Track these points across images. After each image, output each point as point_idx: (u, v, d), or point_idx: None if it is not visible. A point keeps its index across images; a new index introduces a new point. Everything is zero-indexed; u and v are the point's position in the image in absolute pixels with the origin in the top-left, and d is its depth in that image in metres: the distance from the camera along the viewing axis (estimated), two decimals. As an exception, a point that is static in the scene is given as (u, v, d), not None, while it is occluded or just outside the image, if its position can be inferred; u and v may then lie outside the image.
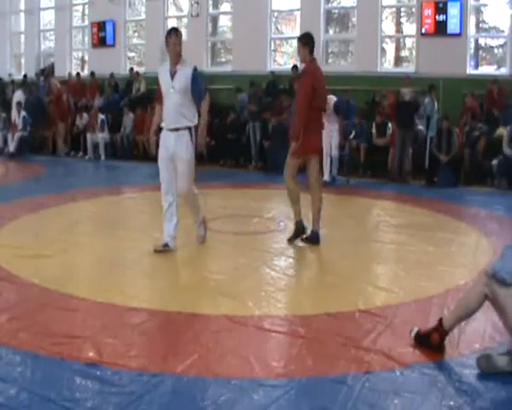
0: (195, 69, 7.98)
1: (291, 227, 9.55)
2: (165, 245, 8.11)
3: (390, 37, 19.50)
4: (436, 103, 16.26)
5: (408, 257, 8.10)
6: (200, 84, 8.03)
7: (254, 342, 5.30)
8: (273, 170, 15.99)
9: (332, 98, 13.92)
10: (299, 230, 8.75)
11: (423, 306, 6.10)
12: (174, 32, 8.01)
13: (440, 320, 5.09)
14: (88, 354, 4.90)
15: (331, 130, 14.22)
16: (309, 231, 8.70)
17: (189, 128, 7.98)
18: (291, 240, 8.72)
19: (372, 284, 7.03)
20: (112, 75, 21.89)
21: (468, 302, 5.00)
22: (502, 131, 14.71)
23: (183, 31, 22.30)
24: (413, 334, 5.19)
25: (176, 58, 7.89)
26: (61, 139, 20.19)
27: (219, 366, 4.76)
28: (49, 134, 20.79)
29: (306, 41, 9.00)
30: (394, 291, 6.70)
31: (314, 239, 8.65)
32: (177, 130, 7.94)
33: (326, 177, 14.15)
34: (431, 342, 5.04)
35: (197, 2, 21.19)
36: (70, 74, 23.60)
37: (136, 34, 24.39)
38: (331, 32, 20.32)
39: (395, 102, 16.02)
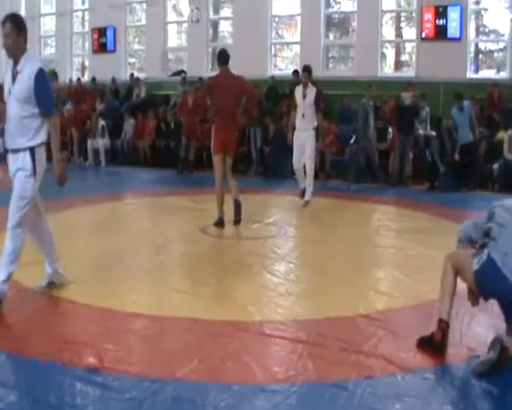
0: (41, 70, 6.08)
1: (292, 232, 9.62)
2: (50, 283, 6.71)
3: (390, 41, 19.51)
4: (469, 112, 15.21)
5: (409, 262, 8.10)
6: (45, 90, 6.18)
7: (255, 348, 5.29)
8: (274, 175, 16.03)
9: (312, 90, 12.22)
10: (220, 223, 9.96)
11: (424, 310, 6.09)
12: (5, 20, 6.06)
13: (439, 319, 5.18)
14: (88, 359, 4.90)
15: (302, 137, 12.20)
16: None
17: (32, 149, 6.23)
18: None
19: (373, 288, 7.03)
20: (114, 80, 21.89)
21: (447, 278, 5.33)
22: (502, 135, 14.71)
23: (183, 36, 22.37)
24: (416, 341, 5.23)
25: (13, 54, 6.10)
26: (77, 147, 20.04)
27: (220, 371, 4.76)
28: (48, 140, 20.76)
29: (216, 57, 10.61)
30: (395, 296, 6.70)
31: (219, 223, 9.97)
32: (16, 151, 6.21)
33: (307, 197, 12.19)
34: (434, 341, 5.08)
35: (197, 8, 21.21)
36: (71, 80, 23.63)
37: (136, 40, 24.41)
38: (331, 36, 20.33)
39: (395, 106, 16.00)
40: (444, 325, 5.10)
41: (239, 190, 10.26)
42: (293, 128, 12.40)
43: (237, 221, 10.05)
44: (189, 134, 17.20)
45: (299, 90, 12.27)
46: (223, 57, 10.24)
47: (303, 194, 12.30)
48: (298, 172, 12.57)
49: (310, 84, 12.24)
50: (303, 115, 12.11)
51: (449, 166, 14.33)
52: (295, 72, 18.51)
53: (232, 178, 10.31)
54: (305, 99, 12.08)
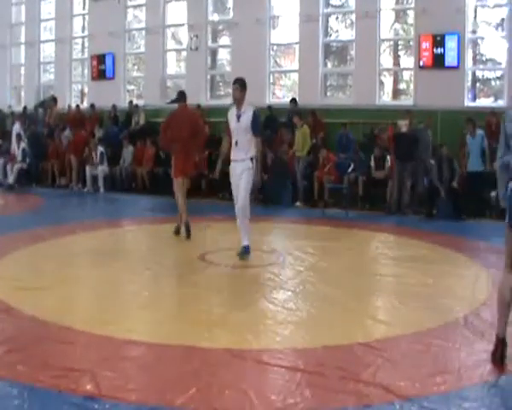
0: None
1: (290, 261, 9.63)
2: None
3: (388, 70, 19.58)
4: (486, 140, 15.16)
5: (407, 290, 8.09)
6: None
7: (253, 376, 5.27)
8: (272, 203, 16.04)
9: (248, 110, 9.82)
10: (177, 231, 11.67)
11: (423, 339, 6.08)
12: None
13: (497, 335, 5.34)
14: (86, 387, 4.88)
15: (238, 171, 9.83)
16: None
17: None
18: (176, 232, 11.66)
19: (371, 316, 7.02)
20: (114, 107, 21.96)
21: (502, 295, 5.33)
22: (500, 162, 14.68)
23: (182, 64, 22.47)
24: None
25: None
26: (75, 173, 20.07)
27: (218, 399, 4.73)
28: (48, 166, 20.83)
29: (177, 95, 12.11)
30: (393, 324, 6.69)
31: (188, 233, 11.40)
32: None
33: (244, 241, 9.81)
34: (494, 356, 5.31)
35: (196, 36, 21.32)
36: (70, 106, 23.71)
37: (135, 67, 24.51)
38: (330, 65, 20.42)
39: (393, 134, 16.02)
40: (498, 342, 5.33)
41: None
42: (227, 160, 10.19)
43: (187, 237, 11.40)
44: None
45: (232, 112, 9.98)
46: (182, 96, 11.83)
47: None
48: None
49: (245, 103, 9.85)
50: (236, 143, 9.76)
51: (447, 193, 14.33)
52: (293, 100, 18.62)
53: (183, 203, 11.61)
54: (239, 121, 9.75)
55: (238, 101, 9.78)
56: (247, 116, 9.65)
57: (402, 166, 15.17)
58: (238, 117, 9.71)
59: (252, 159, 9.69)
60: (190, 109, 12.32)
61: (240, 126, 9.65)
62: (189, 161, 11.75)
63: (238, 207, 9.73)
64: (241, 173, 9.67)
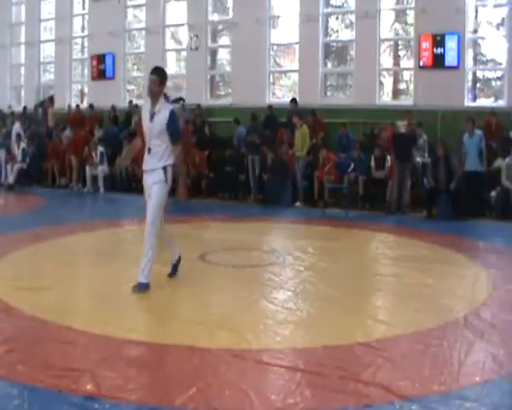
0: None
1: (290, 260, 9.64)
2: None
3: (388, 70, 19.58)
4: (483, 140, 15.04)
5: (407, 290, 8.08)
6: None
7: (253, 376, 5.27)
8: (272, 203, 16.04)
9: (165, 108, 7.80)
10: None
11: (423, 339, 6.08)
12: None
13: None
14: (86, 386, 4.88)
15: (149, 184, 7.96)
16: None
17: None
18: None
19: (371, 316, 7.02)
20: (113, 107, 21.95)
21: None
22: (500, 162, 14.72)
23: (182, 64, 22.48)
24: None
25: None
26: (75, 173, 20.07)
27: (218, 399, 4.73)
28: (48, 166, 20.82)
29: None
30: (393, 324, 6.69)
31: None
32: None
33: (141, 277, 7.95)
34: None
35: (196, 36, 21.32)
36: (70, 106, 23.73)
37: (135, 67, 24.50)
38: (329, 65, 20.42)
39: (392, 134, 16.00)
40: None
41: None
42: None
43: None
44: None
45: (145, 109, 7.99)
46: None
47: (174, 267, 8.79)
48: (162, 233, 8.65)
49: (162, 99, 7.89)
50: (149, 150, 7.86)
51: (447, 194, 14.31)
52: (293, 100, 18.61)
53: None
54: (152, 121, 7.77)
55: (154, 95, 7.76)
56: (163, 116, 7.71)
57: (401, 166, 15.16)
58: (152, 116, 7.75)
59: (165, 168, 7.79)
60: None
61: (153, 128, 7.73)
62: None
63: (145, 232, 8.11)
64: (152, 186, 7.86)
